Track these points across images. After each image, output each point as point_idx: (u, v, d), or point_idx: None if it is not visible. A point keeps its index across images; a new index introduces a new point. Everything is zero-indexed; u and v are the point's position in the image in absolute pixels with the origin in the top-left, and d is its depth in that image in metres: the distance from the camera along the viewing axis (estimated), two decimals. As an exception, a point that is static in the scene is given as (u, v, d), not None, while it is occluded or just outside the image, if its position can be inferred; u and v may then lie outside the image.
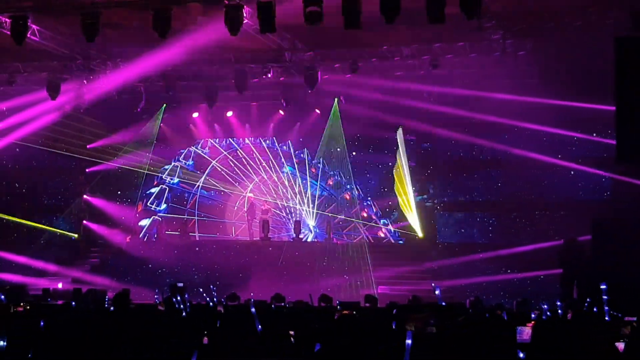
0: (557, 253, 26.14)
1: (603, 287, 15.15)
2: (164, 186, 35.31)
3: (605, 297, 15.19)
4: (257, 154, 35.20)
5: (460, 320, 13.01)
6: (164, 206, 35.22)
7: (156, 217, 35.02)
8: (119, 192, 35.36)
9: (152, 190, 35.30)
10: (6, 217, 34.02)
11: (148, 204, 35.02)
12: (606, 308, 15.02)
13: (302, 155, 34.75)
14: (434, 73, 28.61)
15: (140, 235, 34.73)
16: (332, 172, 34.19)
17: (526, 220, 31.00)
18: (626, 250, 23.96)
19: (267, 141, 35.08)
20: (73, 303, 19.43)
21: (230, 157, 35.45)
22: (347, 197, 33.94)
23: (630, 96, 18.02)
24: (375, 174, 33.60)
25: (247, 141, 35.28)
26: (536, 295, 24.48)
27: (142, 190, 35.40)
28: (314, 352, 10.26)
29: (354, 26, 21.93)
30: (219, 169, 35.38)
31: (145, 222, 35.00)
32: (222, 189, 35.37)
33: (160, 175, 35.39)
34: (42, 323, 12.88)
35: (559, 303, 17.86)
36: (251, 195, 34.44)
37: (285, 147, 34.93)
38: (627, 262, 23.43)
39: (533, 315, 16.14)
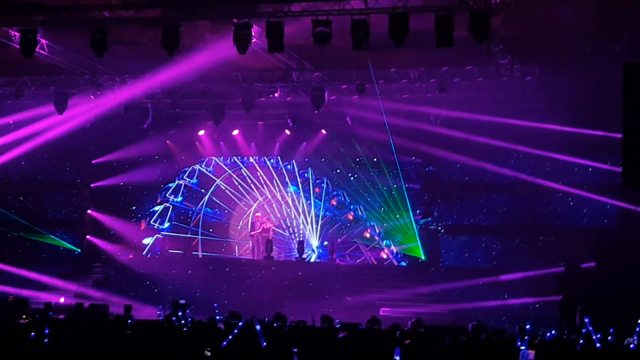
0: (558, 279, 26.09)
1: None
2: (167, 204, 35.15)
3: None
4: (262, 173, 35.14)
5: (463, 340, 12.99)
6: (167, 225, 35.06)
7: (159, 235, 34.90)
8: (123, 208, 35.24)
9: (156, 208, 35.17)
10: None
11: (151, 222, 34.88)
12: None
13: (306, 175, 34.69)
14: (441, 96, 28.69)
15: (144, 253, 34.60)
16: (335, 192, 34.13)
17: (530, 246, 30.87)
18: (631, 277, 23.93)
19: (272, 160, 35.02)
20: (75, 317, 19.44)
21: (234, 175, 35.37)
22: (351, 217, 33.88)
23: (638, 123, 17.98)
24: (378, 196, 33.47)
25: (251, 159, 35.23)
26: (538, 321, 24.37)
27: (146, 207, 35.34)
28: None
29: (362, 48, 22.04)
30: (223, 187, 35.33)
31: (148, 241, 34.87)
32: (226, 207, 35.34)
33: (163, 192, 35.28)
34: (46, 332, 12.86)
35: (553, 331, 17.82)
36: (259, 214, 34.23)
37: (289, 166, 34.88)
38: (631, 288, 23.39)
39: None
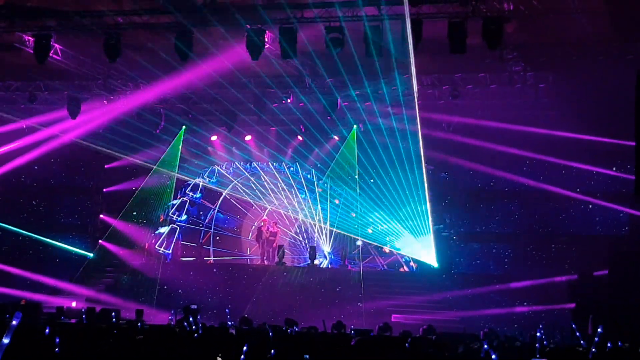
0: (571, 287, 26.03)
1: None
2: (185, 198, 35.36)
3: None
4: (280, 180, 35.18)
5: (475, 348, 12.95)
6: (184, 217, 35.25)
7: (174, 225, 34.97)
8: (135, 213, 35.31)
9: (174, 201, 35.33)
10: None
11: (170, 213, 35.03)
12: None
13: (325, 184, 34.65)
14: (454, 103, 28.64)
15: (157, 246, 34.59)
16: (354, 204, 33.92)
17: (542, 253, 30.81)
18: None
19: (291, 168, 35.04)
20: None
21: (252, 179, 35.47)
22: (370, 231, 33.66)
23: (650, 131, 17.93)
24: (395, 203, 33.35)
25: (270, 166, 35.28)
26: (550, 329, 24.31)
27: (159, 212, 35.41)
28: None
29: (375, 54, 22.08)
30: (240, 189, 35.42)
31: (164, 230, 34.91)
32: (242, 208, 35.49)
33: (183, 189, 35.44)
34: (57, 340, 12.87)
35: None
36: (266, 218, 34.31)
37: (310, 175, 34.87)
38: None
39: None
